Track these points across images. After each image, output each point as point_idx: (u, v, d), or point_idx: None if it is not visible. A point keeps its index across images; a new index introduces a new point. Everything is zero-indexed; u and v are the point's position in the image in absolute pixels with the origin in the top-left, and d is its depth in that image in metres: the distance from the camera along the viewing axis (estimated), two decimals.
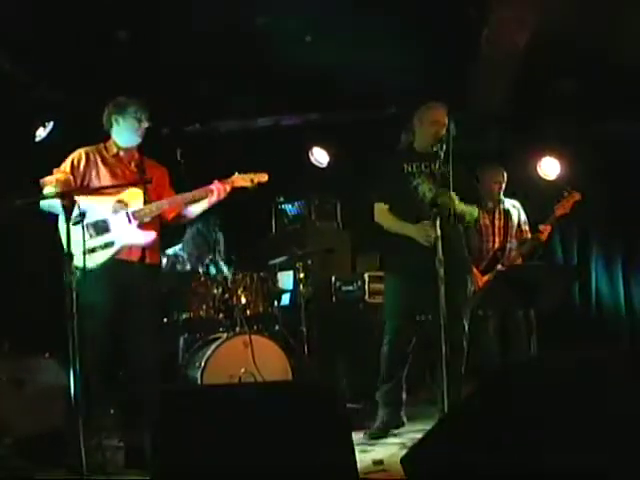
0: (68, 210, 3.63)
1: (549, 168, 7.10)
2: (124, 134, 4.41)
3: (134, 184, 4.33)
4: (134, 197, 4.31)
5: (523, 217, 6.05)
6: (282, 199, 7.54)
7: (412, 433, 4.67)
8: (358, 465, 2.89)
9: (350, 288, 6.43)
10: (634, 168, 6.97)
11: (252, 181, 4.46)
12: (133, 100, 4.41)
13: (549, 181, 7.08)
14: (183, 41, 5.86)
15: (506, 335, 5.84)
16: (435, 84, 6.71)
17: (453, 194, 4.46)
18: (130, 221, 4.27)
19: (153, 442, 2.64)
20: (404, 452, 3.27)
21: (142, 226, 4.31)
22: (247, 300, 5.78)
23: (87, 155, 4.37)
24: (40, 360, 4.81)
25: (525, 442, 2.66)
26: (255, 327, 5.87)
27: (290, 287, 6.88)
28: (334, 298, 6.57)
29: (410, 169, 4.87)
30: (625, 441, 2.73)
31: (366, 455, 4.20)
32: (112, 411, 5.33)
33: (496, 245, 5.91)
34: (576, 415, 2.77)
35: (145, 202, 4.31)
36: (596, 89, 6.59)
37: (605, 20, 5.65)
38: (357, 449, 2.99)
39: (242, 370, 5.13)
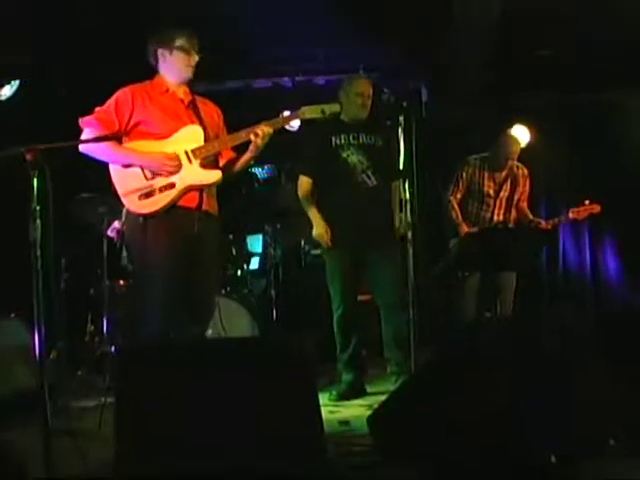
0: (33, 165, 3.45)
1: (520, 135, 7.10)
2: (173, 70, 3.99)
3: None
4: (193, 135, 3.92)
5: (527, 188, 5.97)
6: (252, 162, 7.48)
7: (376, 395, 4.70)
8: (324, 426, 2.91)
9: (319, 252, 6.42)
10: (601, 137, 7.03)
11: (323, 112, 4.04)
12: (180, 32, 3.99)
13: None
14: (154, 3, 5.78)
15: (485, 296, 5.83)
16: (409, 53, 6.73)
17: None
18: (190, 160, 3.87)
19: (115, 401, 2.61)
20: (369, 413, 3.32)
21: (205, 166, 3.92)
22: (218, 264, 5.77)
23: (133, 94, 3.91)
24: (5, 321, 4.75)
25: (484, 400, 2.70)
26: (223, 290, 5.87)
27: (259, 250, 6.87)
28: (303, 262, 6.57)
29: (338, 141, 4.88)
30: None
31: (332, 416, 4.23)
32: (79, 372, 5.34)
33: (495, 217, 5.86)
34: (536, 377, 2.81)
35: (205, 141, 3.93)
36: (569, 59, 6.62)
37: None
38: (323, 410, 3.00)
39: (209, 332, 5.12)
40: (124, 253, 5.78)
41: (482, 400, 2.72)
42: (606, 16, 5.85)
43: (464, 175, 5.90)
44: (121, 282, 5.80)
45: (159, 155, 3.83)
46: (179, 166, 3.84)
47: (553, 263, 7.54)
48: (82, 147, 3.82)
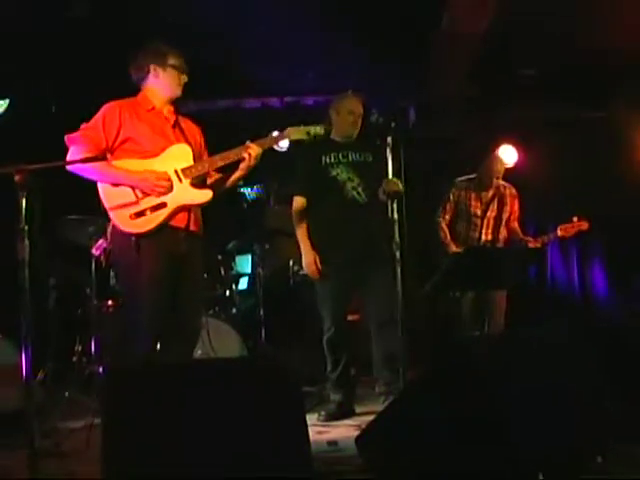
0: (21, 186, 3.43)
1: (506, 155, 7.15)
2: (165, 87, 3.96)
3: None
4: (182, 154, 3.89)
5: (517, 207, 6.01)
6: (241, 183, 7.48)
7: (365, 415, 4.69)
8: (312, 446, 2.90)
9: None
10: (588, 154, 7.08)
11: (308, 134, 4.08)
12: (173, 50, 3.98)
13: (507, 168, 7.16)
14: (142, 20, 5.81)
15: (475, 314, 5.84)
16: (394, 69, 6.79)
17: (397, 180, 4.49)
18: (181, 180, 3.84)
19: (102, 422, 2.60)
20: (358, 433, 3.32)
21: (195, 185, 3.89)
22: (204, 283, 5.76)
23: (121, 109, 3.85)
24: None
25: (473, 418, 2.70)
26: (212, 310, 5.87)
27: (248, 271, 6.87)
28: (292, 282, 6.57)
29: (328, 160, 4.90)
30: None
31: (321, 436, 4.22)
32: (67, 393, 5.31)
33: (483, 237, 5.90)
34: (527, 394, 2.81)
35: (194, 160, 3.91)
36: (554, 75, 6.67)
37: (566, 5, 5.72)
38: (312, 430, 3.00)
39: (199, 352, 5.12)
40: (112, 273, 5.78)
41: (472, 418, 2.72)
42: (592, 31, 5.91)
43: (451, 197, 5.96)
44: (109, 302, 5.78)
45: (150, 175, 3.79)
46: (170, 186, 3.82)
47: (541, 281, 7.57)
48: (70, 166, 3.74)
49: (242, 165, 3.97)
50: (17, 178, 3.28)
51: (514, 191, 6.02)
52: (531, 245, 5.80)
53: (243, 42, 6.12)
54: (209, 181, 4.08)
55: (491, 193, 5.95)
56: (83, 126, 3.83)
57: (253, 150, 3.92)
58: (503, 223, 5.94)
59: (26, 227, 3.32)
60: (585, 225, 5.73)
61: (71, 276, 6.00)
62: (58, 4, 5.65)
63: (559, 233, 5.74)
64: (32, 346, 3.31)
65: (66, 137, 3.80)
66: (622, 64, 6.24)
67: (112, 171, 3.79)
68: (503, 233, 5.94)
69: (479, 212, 5.91)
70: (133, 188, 3.77)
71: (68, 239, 5.71)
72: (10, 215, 3.33)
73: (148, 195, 3.78)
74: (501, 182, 5.99)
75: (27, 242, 3.31)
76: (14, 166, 3.28)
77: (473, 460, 2.69)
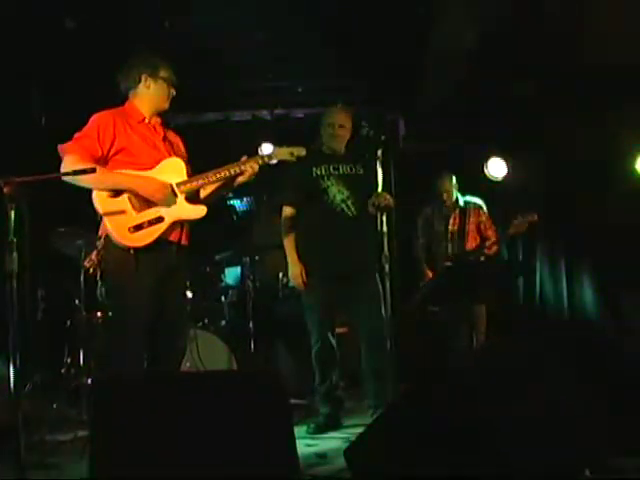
0: (10, 198, 3.41)
1: (496, 169, 7.20)
2: (154, 98, 3.93)
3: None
4: (175, 168, 3.87)
5: (484, 218, 6.12)
6: (231, 195, 7.51)
7: (353, 428, 4.69)
8: (301, 459, 2.90)
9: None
10: (578, 167, 7.10)
11: (292, 154, 4.10)
12: (164, 62, 3.96)
13: (497, 182, 7.20)
14: (132, 33, 5.82)
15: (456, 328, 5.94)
16: (384, 83, 6.83)
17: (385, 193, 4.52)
18: (176, 194, 3.81)
19: (90, 433, 2.60)
20: (346, 445, 3.32)
21: (189, 200, 3.86)
22: (193, 295, 5.76)
23: (114, 118, 3.80)
24: None
25: (462, 430, 2.70)
26: (200, 322, 5.86)
27: (237, 282, 6.87)
28: (281, 294, 6.58)
29: (319, 172, 4.90)
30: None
31: (309, 449, 4.21)
32: (54, 405, 5.29)
33: (450, 250, 6.04)
34: (515, 405, 2.82)
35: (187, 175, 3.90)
36: (544, 90, 6.70)
37: (556, 20, 5.76)
38: (300, 443, 3.00)
39: (187, 365, 5.11)
40: (100, 283, 5.76)
41: (461, 430, 2.72)
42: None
43: (419, 222, 6.33)
44: (98, 314, 5.75)
45: (152, 179, 3.76)
46: (172, 197, 3.79)
47: (530, 294, 7.58)
48: (63, 176, 3.63)
49: (240, 179, 3.97)
50: (6, 190, 3.28)
51: (478, 201, 6.24)
52: (488, 251, 5.92)
53: (232, 55, 6.15)
54: (203, 194, 4.05)
55: (450, 209, 6.16)
56: (76, 135, 3.76)
57: (252, 168, 3.93)
58: (469, 234, 6.05)
59: (14, 239, 3.32)
60: (534, 217, 5.75)
61: (60, 287, 5.98)
62: (49, 15, 5.65)
63: (511, 231, 5.80)
64: (20, 358, 3.30)
65: (59, 147, 3.73)
66: (619, 79, 6.27)
67: (111, 175, 3.73)
68: (472, 244, 6.03)
69: (442, 229, 6.13)
70: (130, 200, 3.72)
71: (57, 251, 5.70)
72: None
73: (146, 208, 3.74)
74: (459, 197, 6.19)
75: (15, 254, 3.31)
76: (2, 178, 3.27)
77: (463, 472, 2.70)
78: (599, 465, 3.03)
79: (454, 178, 6.22)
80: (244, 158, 3.96)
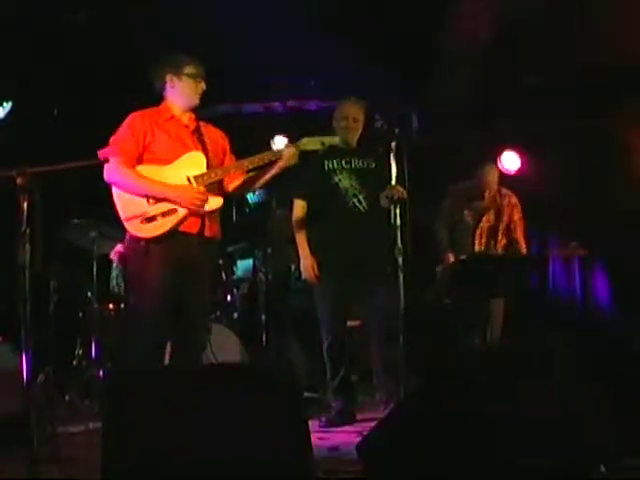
0: (23, 189, 3.42)
1: (509, 162, 7.15)
2: (181, 96, 4.03)
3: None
4: (195, 161, 3.94)
5: (517, 217, 5.93)
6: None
7: (366, 422, 4.67)
8: (314, 452, 2.89)
9: None
10: (592, 164, 7.07)
11: (323, 144, 4.13)
12: (189, 59, 4.04)
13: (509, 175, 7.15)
14: (145, 25, 5.82)
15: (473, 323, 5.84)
16: (397, 78, 6.79)
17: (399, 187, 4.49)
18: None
19: (103, 426, 2.59)
20: (359, 439, 3.30)
21: (209, 192, 3.92)
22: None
23: (143, 119, 3.95)
24: None
25: (474, 426, 2.69)
26: (213, 315, 5.85)
27: (249, 275, 6.85)
28: (293, 287, 6.56)
29: (331, 165, 4.89)
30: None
31: (321, 442, 4.19)
32: (67, 397, 5.30)
33: (477, 246, 5.87)
34: (527, 404, 2.80)
35: (207, 167, 3.95)
36: (556, 85, 6.67)
37: (567, 17, 5.72)
38: (312, 436, 2.98)
39: None
40: (113, 275, 5.78)
41: (472, 426, 2.71)
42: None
43: (447, 204, 6.00)
44: (110, 306, 5.77)
45: (189, 187, 3.85)
46: (207, 199, 3.86)
47: (543, 292, 7.54)
48: (107, 177, 3.83)
49: (281, 164, 4.02)
50: (19, 181, 3.28)
51: (514, 199, 5.98)
52: (522, 250, 5.80)
53: (245, 46, 6.12)
54: (236, 184, 4.13)
55: (485, 203, 5.94)
56: (113, 139, 3.90)
57: (290, 151, 4.01)
58: (501, 233, 5.90)
59: (27, 230, 3.32)
60: (583, 252, 5.66)
61: (72, 279, 5.99)
62: (61, 8, 5.65)
63: (558, 252, 5.72)
64: (32, 350, 3.31)
65: (100, 152, 3.83)
66: (627, 75, 6.24)
67: (148, 183, 3.85)
68: (502, 242, 5.90)
69: (472, 222, 5.91)
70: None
71: (70, 242, 5.71)
72: (11, 218, 3.33)
73: (162, 201, 3.81)
74: (503, 190, 5.97)
75: (28, 245, 3.31)
76: (16, 169, 3.27)
77: (473, 468, 2.68)
78: (614, 463, 3.00)
79: (496, 170, 6.03)
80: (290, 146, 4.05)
